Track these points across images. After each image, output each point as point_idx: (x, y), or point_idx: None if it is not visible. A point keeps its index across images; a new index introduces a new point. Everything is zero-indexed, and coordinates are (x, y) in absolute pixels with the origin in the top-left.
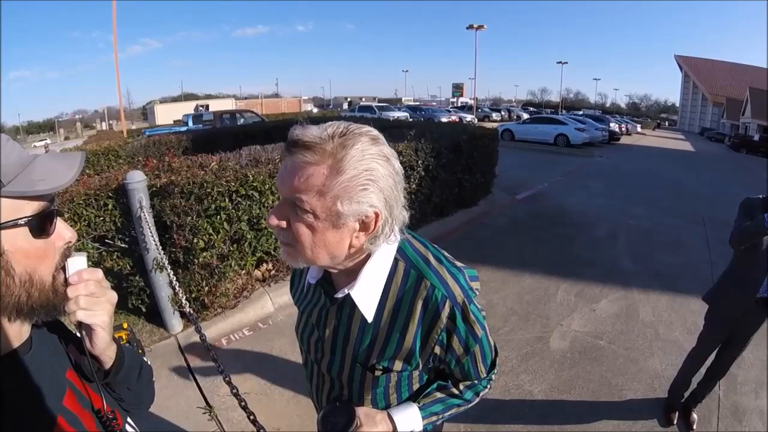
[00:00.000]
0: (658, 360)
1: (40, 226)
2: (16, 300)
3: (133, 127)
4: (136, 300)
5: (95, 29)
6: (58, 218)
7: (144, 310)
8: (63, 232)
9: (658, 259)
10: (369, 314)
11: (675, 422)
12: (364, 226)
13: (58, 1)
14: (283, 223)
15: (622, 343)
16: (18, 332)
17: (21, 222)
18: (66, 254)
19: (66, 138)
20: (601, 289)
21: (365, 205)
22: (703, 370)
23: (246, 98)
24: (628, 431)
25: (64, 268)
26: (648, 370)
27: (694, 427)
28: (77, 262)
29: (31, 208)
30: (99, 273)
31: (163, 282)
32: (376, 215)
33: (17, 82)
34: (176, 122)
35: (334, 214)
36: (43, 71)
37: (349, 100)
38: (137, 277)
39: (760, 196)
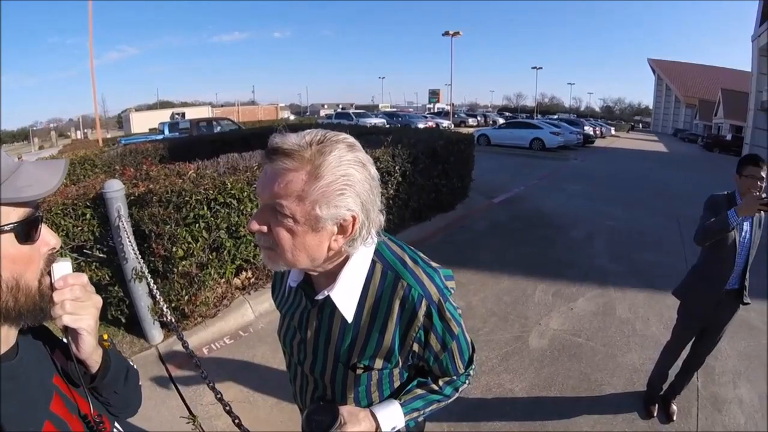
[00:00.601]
0: (636, 355)
1: (26, 232)
2: (4, 305)
3: (109, 136)
4: (115, 311)
5: (73, 36)
6: (43, 224)
7: (123, 320)
8: (48, 238)
9: (635, 258)
10: (349, 315)
11: (655, 414)
12: (342, 229)
13: (35, 4)
14: (264, 228)
15: (600, 339)
16: (5, 338)
17: (7, 228)
18: (50, 260)
19: (41, 147)
20: (578, 288)
21: (343, 209)
22: (679, 363)
23: (222, 106)
24: (609, 425)
25: (50, 273)
26: (626, 364)
27: (674, 418)
28: (62, 267)
29: (16, 214)
30: (84, 278)
31: (143, 292)
32: (354, 218)
33: None
34: (152, 130)
35: (313, 218)
36: (20, 78)
37: (325, 107)
38: (116, 288)
39: (725, 193)
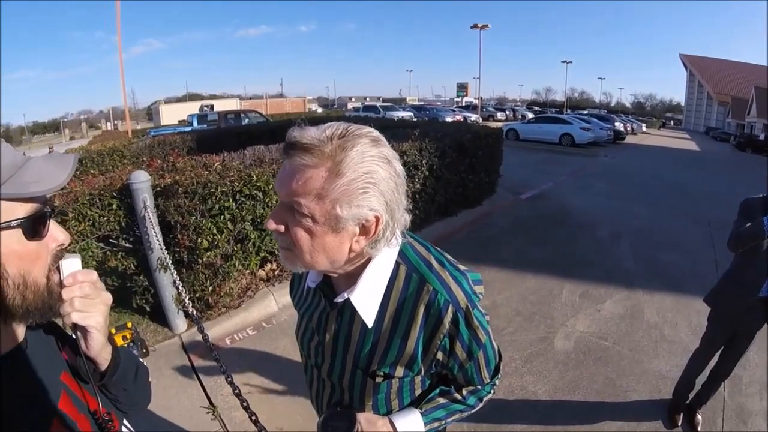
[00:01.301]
0: (663, 361)
1: (33, 228)
2: (11, 303)
3: (138, 127)
4: (140, 299)
5: (98, 30)
6: (51, 220)
7: (148, 309)
8: (56, 234)
9: (663, 260)
10: (369, 319)
11: (679, 424)
12: (364, 230)
13: (61, 2)
14: (282, 227)
15: (627, 343)
16: (13, 335)
17: (13, 224)
18: (59, 256)
19: (71, 138)
20: (605, 289)
21: (365, 209)
22: (707, 372)
23: (251, 98)
24: None
25: (58, 270)
26: (653, 371)
27: (699, 428)
28: (72, 264)
29: (23, 210)
30: (94, 275)
31: (167, 282)
32: (377, 219)
33: (21, 82)
34: (181, 122)
35: (333, 218)
36: (47, 72)
37: (352, 100)
38: (141, 277)
39: (760, 196)
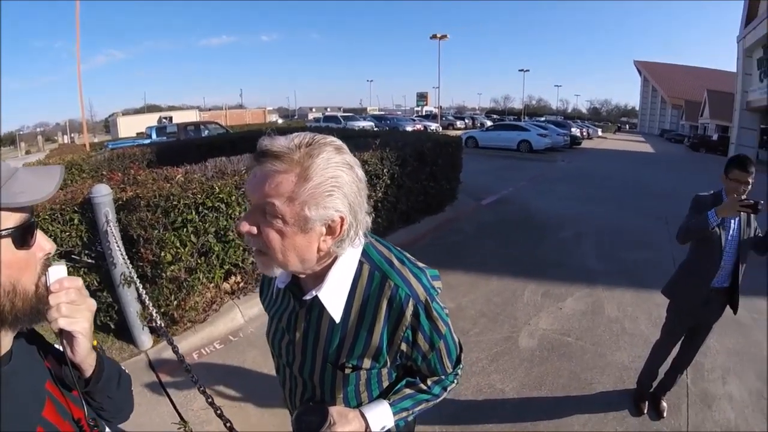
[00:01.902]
0: (625, 353)
1: (22, 237)
2: (1, 310)
3: (96, 140)
4: (104, 317)
5: (59, 39)
6: (38, 230)
7: (113, 326)
8: (43, 243)
9: (623, 257)
10: (336, 315)
11: (645, 411)
12: (330, 230)
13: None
14: (254, 229)
15: (590, 338)
16: (1, 343)
17: (4, 233)
18: (46, 264)
19: (27, 152)
20: (567, 287)
21: (331, 210)
22: (669, 360)
23: (210, 109)
24: (600, 423)
25: (45, 277)
26: (616, 363)
27: (665, 415)
28: (58, 271)
29: (12, 219)
30: (79, 281)
31: (132, 297)
32: (342, 219)
33: None
34: (139, 134)
35: (302, 219)
36: (5, 82)
37: (313, 110)
38: (105, 293)
39: (711, 192)
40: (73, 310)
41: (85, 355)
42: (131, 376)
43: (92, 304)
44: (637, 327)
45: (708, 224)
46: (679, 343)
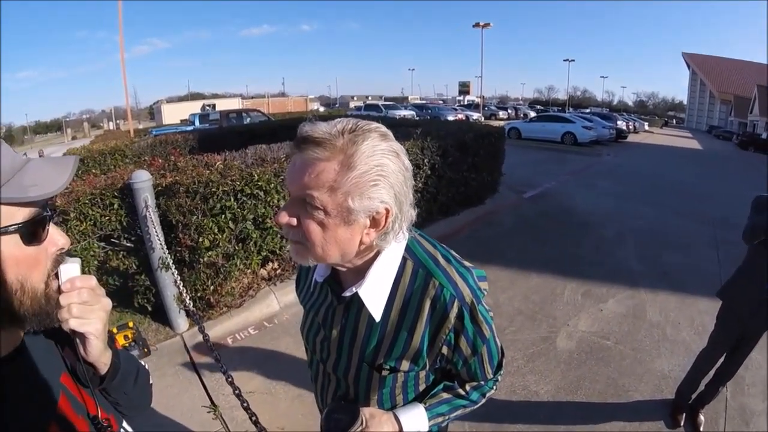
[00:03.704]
0: (665, 361)
1: (32, 232)
2: (8, 308)
3: (140, 127)
4: (141, 299)
5: (101, 29)
6: (51, 224)
7: (150, 309)
8: (56, 238)
9: (666, 260)
10: (377, 313)
11: (682, 424)
12: (374, 222)
13: (64, 1)
14: (294, 221)
15: (629, 343)
16: (12, 338)
17: (11, 229)
18: (59, 260)
19: (73, 138)
20: (608, 289)
21: (376, 201)
22: (711, 372)
23: (252, 97)
24: None
25: (57, 275)
26: (655, 371)
27: (701, 428)
28: (70, 269)
29: (22, 214)
30: (93, 280)
31: (169, 281)
32: (387, 211)
33: (24, 81)
34: (183, 121)
35: (345, 210)
36: (50, 71)
37: (354, 99)
38: (143, 276)
39: None
40: (85, 310)
41: (98, 355)
42: (165, 358)
43: (107, 303)
44: (678, 334)
45: None
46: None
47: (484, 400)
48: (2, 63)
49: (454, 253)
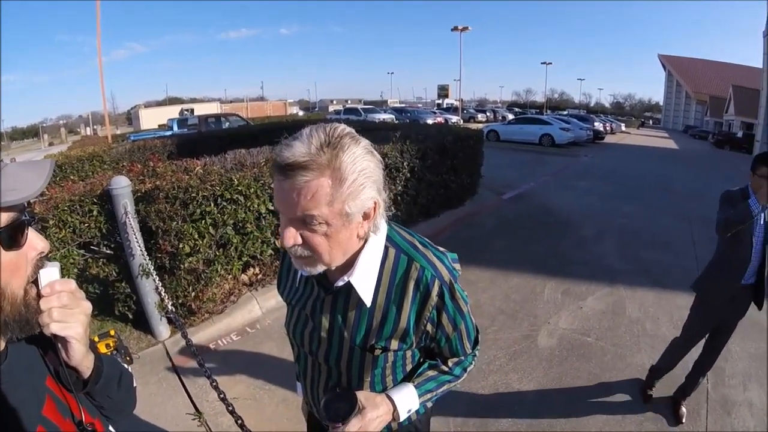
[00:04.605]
0: (645, 355)
1: (11, 237)
2: None
3: (118, 132)
4: (122, 307)
5: (81, 33)
6: (30, 228)
7: (131, 316)
8: (35, 242)
9: (645, 257)
10: (368, 298)
11: (651, 393)
12: (365, 216)
13: (43, 2)
14: (300, 240)
15: (610, 339)
16: None
17: None
18: (39, 265)
19: (50, 144)
20: (587, 286)
21: (367, 199)
22: (690, 364)
23: (231, 102)
24: (617, 426)
25: (36, 281)
26: (636, 365)
27: (683, 420)
28: (50, 273)
29: (1, 219)
30: (72, 284)
31: (150, 288)
32: (375, 204)
33: (4, 86)
34: (161, 126)
35: (344, 215)
36: (30, 75)
37: (333, 102)
38: (123, 284)
39: (739, 188)
40: (65, 314)
41: (80, 359)
42: (148, 366)
43: (87, 307)
44: (658, 329)
45: (751, 211)
46: (701, 344)
47: (465, 375)
48: None
49: (428, 240)
